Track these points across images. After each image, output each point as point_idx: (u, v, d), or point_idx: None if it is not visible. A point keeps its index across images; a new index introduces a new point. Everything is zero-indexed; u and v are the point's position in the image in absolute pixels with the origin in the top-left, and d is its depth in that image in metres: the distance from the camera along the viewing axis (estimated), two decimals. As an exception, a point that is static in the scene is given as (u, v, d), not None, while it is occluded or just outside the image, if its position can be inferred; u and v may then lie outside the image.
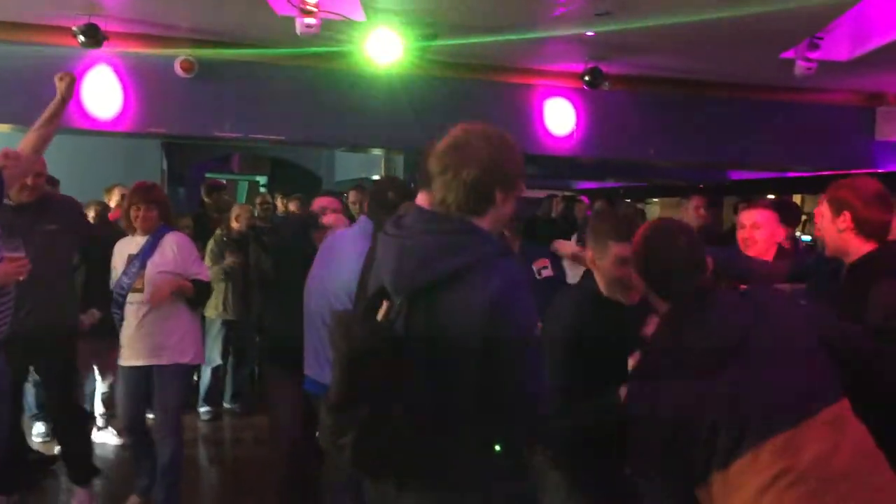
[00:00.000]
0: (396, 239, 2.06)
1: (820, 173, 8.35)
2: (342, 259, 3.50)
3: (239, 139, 6.81)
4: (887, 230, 2.92)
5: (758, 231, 3.83)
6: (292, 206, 7.60)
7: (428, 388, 1.97)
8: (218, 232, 7.00)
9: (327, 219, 4.37)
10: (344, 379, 1.95)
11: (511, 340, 1.96)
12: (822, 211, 2.91)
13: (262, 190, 14.01)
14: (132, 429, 4.54)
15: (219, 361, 7.00)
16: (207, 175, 13.76)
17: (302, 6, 5.36)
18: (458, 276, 1.96)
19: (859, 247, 2.81)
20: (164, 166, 8.24)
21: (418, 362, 1.96)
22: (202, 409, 7.11)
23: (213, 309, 6.88)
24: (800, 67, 6.24)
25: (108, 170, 7.32)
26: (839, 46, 6.33)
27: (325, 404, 2.02)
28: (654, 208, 13.02)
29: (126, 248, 4.49)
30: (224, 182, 10.17)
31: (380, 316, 2.02)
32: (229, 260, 6.76)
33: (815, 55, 6.10)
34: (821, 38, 6.12)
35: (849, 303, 2.70)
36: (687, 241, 2.34)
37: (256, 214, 7.85)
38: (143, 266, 4.38)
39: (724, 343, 2.15)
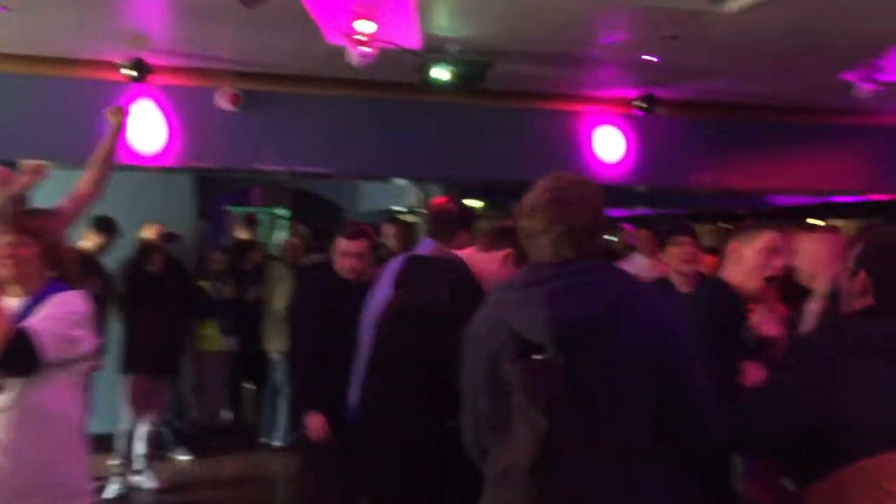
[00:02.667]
0: (532, 288, 1.98)
1: (870, 197, 8.16)
2: (383, 286, 3.40)
3: (283, 173, 6.62)
4: None
5: None
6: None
7: (617, 429, 1.90)
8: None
9: None
10: (545, 434, 1.83)
11: (685, 361, 1.98)
12: None
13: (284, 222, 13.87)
14: None
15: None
16: (227, 208, 13.59)
17: (356, 35, 5.19)
18: (616, 311, 1.92)
19: None
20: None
21: (600, 404, 1.89)
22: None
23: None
24: (861, 90, 6.06)
25: (141, 206, 7.12)
26: (898, 68, 6.16)
27: (517, 473, 1.88)
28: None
29: None
30: (258, 217, 10.00)
31: None
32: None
33: (880, 77, 5.92)
34: (884, 60, 5.96)
35: None
36: None
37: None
38: None
39: None
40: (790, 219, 9.72)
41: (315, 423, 4.02)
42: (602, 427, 1.87)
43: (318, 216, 12.22)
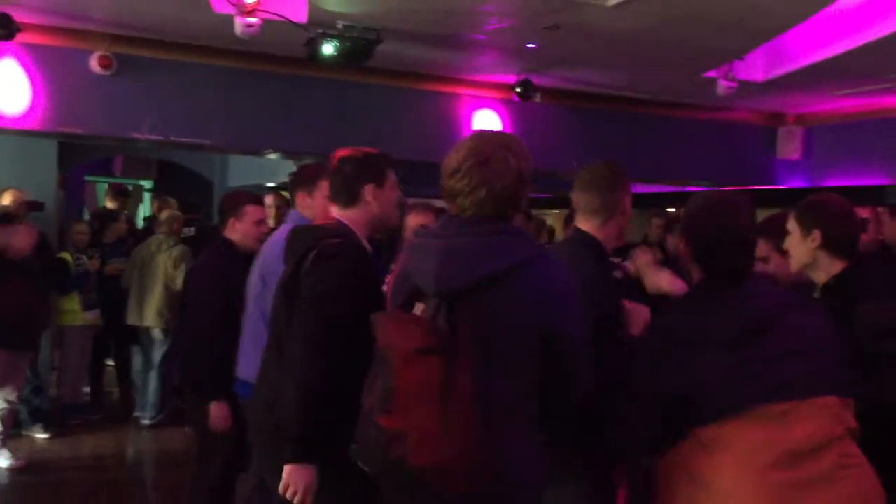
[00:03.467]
0: (435, 240, 2.04)
1: (721, 188, 8.75)
2: (273, 256, 3.38)
3: (158, 142, 6.42)
4: (856, 246, 2.97)
5: None
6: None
7: (481, 387, 1.93)
8: None
9: None
10: (401, 382, 1.88)
11: (567, 334, 2.02)
12: (792, 228, 2.90)
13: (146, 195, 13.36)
14: None
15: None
16: (87, 178, 12.95)
17: (242, 5, 5.10)
18: (506, 275, 1.96)
19: (829, 265, 2.82)
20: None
21: (470, 360, 1.93)
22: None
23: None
24: (722, 87, 6.51)
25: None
26: (755, 68, 6.66)
27: (371, 416, 1.94)
28: (552, 219, 13.30)
29: None
30: (130, 188, 9.59)
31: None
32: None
33: (738, 75, 6.39)
34: (742, 60, 6.43)
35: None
36: (745, 218, 2.35)
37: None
38: None
39: (751, 324, 2.18)
40: (649, 206, 10.26)
41: (222, 412, 3.87)
42: (462, 381, 1.90)
43: (185, 189, 11.86)
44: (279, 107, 6.48)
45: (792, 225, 2.90)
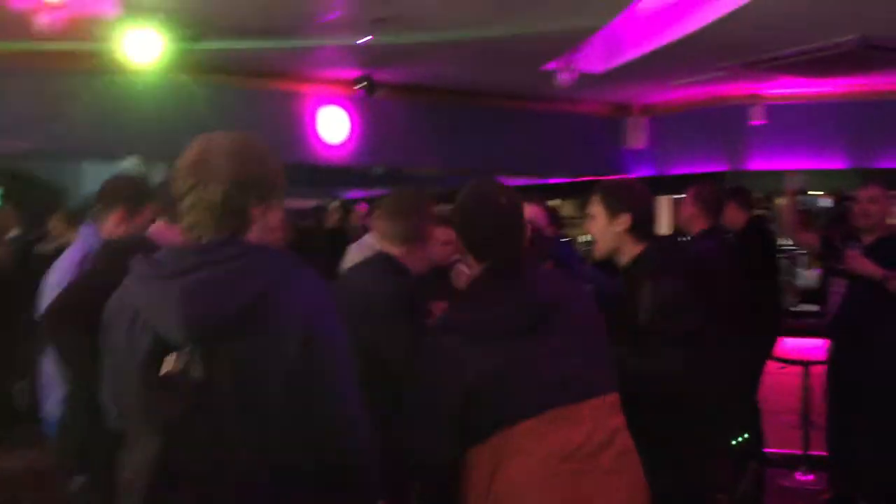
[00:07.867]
0: (167, 280, 1.72)
1: (575, 179, 8.87)
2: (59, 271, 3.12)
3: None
4: (654, 230, 3.03)
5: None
6: None
7: (247, 441, 1.69)
8: None
9: None
10: (158, 457, 1.66)
11: (333, 354, 1.77)
12: (597, 213, 2.92)
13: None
14: None
15: None
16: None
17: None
18: (262, 300, 1.70)
19: (632, 248, 2.88)
20: None
21: (234, 412, 1.68)
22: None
23: None
24: (562, 78, 6.55)
25: None
26: (594, 60, 6.73)
27: (133, 490, 1.70)
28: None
29: None
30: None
31: (167, 370, 1.68)
32: None
33: (575, 68, 6.44)
34: (580, 52, 6.48)
35: (626, 304, 2.77)
36: (508, 203, 2.31)
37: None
38: None
39: (532, 311, 2.17)
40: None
41: None
42: (234, 440, 1.68)
43: (35, 200, 11.21)
44: (100, 110, 6.13)
45: (597, 209, 2.92)
